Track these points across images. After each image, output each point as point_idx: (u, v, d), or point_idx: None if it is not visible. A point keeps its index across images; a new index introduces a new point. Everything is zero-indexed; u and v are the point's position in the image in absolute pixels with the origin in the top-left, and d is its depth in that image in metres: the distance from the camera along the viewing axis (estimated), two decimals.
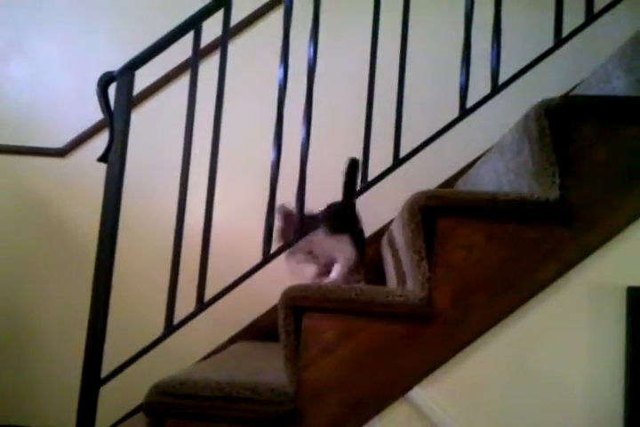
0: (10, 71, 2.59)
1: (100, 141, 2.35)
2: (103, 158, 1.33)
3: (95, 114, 2.33)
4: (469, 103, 1.59)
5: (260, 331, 2.05)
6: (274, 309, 2.04)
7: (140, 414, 1.62)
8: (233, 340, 2.07)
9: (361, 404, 1.13)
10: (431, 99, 2.07)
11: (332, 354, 1.14)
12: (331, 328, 1.15)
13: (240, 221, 2.06)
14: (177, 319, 1.44)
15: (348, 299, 1.18)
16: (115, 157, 1.35)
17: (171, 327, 1.43)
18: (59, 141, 2.48)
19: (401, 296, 1.18)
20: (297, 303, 1.17)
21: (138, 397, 1.32)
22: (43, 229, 2.47)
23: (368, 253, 2.09)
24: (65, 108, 2.53)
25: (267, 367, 1.35)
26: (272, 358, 1.42)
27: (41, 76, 2.57)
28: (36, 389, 2.32)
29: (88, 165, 2.43)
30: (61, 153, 2.49)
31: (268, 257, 1.45)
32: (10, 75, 2.59)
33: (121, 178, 1.32)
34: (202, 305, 1.46)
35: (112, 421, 1.73)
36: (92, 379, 1.17)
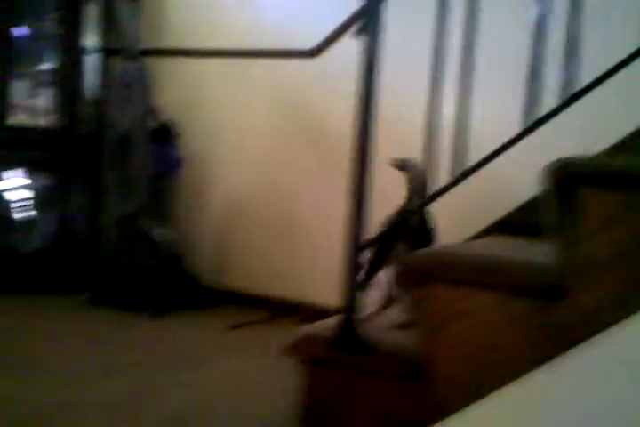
0: None
1: (347, 41, 2.37)
2: (360, 32, 1.33)
3: (341, 15, 2.36)
4: None
5: (509, 227, 1.96)
6: (522, 207, 1.94)
7: None
8: (486, 232, 2.00)
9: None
10: None
11: (611, 230, 1.03)
12: (609, 203, 1.04)
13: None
14: None
15: (629, 171, 1.05)
16: (370, 35, 1.34)
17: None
18: (308, 43, 2.56)
19: None
20: (571, 176, 1.07)
21: None
22: (302, 126, 2.64)
23: None
24: (313, 10, 2.60)
25: (528, 252, 1.29)
26: (530, 249, 1.35)
27: None
28: (304, 266, 2.57)
29: (337, 64, 2.48)
30: (312, 53, 2.57)
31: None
32: None
33: (376, 55, 1.30)
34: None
35: None
36: (354, 246, 1.23)
